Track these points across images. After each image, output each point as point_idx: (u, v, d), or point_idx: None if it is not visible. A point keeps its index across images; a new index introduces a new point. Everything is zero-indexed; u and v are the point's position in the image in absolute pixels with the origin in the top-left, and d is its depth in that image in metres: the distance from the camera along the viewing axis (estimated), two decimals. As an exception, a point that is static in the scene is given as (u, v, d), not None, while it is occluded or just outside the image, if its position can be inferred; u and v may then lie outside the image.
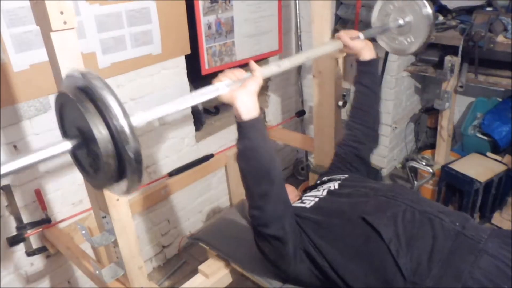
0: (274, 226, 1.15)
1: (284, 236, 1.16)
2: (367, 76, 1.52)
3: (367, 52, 1.48)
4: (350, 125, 1.58)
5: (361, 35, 1.49)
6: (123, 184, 0.80)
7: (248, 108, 1.07)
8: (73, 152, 0.83)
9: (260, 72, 1.12)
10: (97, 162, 0.76)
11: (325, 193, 1.36)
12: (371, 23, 1.70)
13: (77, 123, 0.77)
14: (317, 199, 1.34)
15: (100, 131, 0.72)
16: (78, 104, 0.73)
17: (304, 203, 1.33)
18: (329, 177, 1.50)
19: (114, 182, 0.79)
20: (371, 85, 1.52)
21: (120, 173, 0.77)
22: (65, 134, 0.86)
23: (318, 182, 1.53)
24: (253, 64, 1.12)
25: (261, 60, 2.67)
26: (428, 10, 1.52)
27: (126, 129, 0.73)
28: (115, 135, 0.72)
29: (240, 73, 1.11)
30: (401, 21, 1.57)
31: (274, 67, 1.19)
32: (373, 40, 1.58)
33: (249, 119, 1.07)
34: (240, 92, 1.07)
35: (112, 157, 0.74)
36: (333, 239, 1.20)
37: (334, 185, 1.41)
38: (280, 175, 1.16)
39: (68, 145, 0.80)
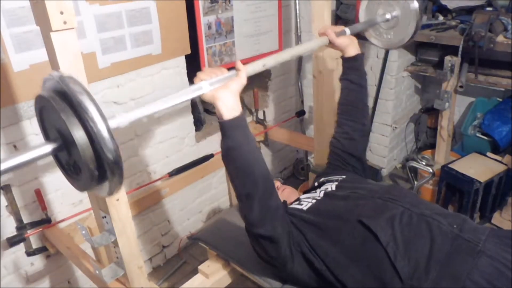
0: (264, 227, 1.15)
1: (275, 235, 1.16)
2: (353, 72, 1.50)
3: (352, 49, 1.47)
4: (340, 122, 1.57)
5: (347, 30, 1.47)
6: (105, 186, 0.81)
7: (229, 108, 1.07)
8: (55, 155, 0.85)
9: (245, 72, 1.12)
10: (78, 165, 0.78)
11: (322, 194, 1.36)
12: (359, 19, 1.70)
13: (57, 126, 0.79)
14: (314, 200, 1.33)
15: (78, 134, 0.74)
16: (57, 107, 0.75)
17: (301, 204, 1.33)
18: (326, 178, 1.50)
19: (96, 184, 0.80)
20: (358, 80, 1.51)
21: (101, 175, 0.78)
22: (47, 137, 0.87)
23: (316, 183, 1.53)
24: (238, 64, 1.12)
25: (261, 60, 2.67)
26: (415, 4, 1.52)
27: (103, 132, 0.74)
28: (93, 138, 0.74)
29: (220, 71, 1.10)
30: (388, 16, 1.57)
31: (258, 66, 1.18)
32: (360, 37, 1.57)
33: (231, 118, 1.07)
34: (222, 91, 1.07)
35: (91, 160, 0.75)
36: (330, 242, 1.19)
37: (331, 187, 1.41)
38: (266, 174, 1.15)
39: (48, 147, 0.82)
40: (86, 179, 0.79)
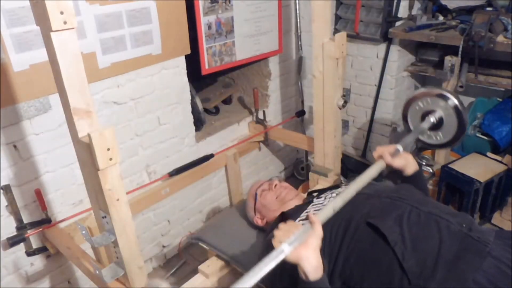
0: None
1: None
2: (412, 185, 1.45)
3: (410, 168, 1.43)
4: None
5: (400, 148, 1.44)
6: None
7: (314, 267, 1.03)
8: None
9: (319, 224, 1.07)
10: None
11: (327, 202, 1.36)
12: (403, 129, 1.69)
13: None
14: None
15: None
16: None
17: None
18: (340, 184, 1.51)
19: None
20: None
21: None
22: None
23: (327, 187, 1.53)
24: (312, 217, 1.08)
25: (261, 60, 2.67)
26: (454, 101, 1.50)
27: None
28: None
29: (295, 227, 1.06)
30: (432, 119, 1.55)
31: (329, 212, 1.16)
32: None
33: (316, 279, 1.04)
34: (305, 251, 1.03)
35: None
36: (339, 246, 1.19)
37: (342, 188, 1.41)
38: None
39: None
40: None
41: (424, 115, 1.59)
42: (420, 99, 1.59)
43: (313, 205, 1.44)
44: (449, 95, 1.51)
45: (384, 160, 1.41)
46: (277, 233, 1.06)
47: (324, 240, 1.19)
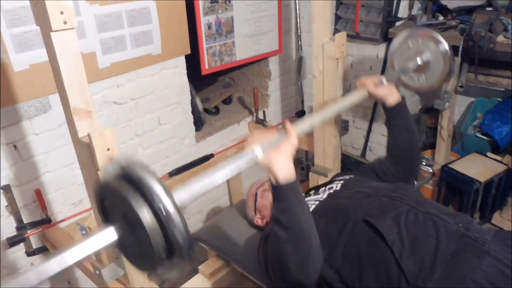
0: (310, 277, 1.11)
1: (315, 279, 1.13)
2: (397, 119, 1.46)
3: (392, 98, 1.43)
4: (387, 162, 1.49)
5: (384, 80, 1.45)
6: (172, 265, 0.78)
7: (285, 172, 1.04)
8: (119, 240, 0.81)
9: (295, 133, 1.08)
10: (145, 247, 0.75)
11: (325, 195, 1.36)
12: (390, 63, 1.69)
13: (120, 210, 0.76)
14: (317, 202, 1.33)
15: (146, 217, 0.72)
16: (123, 193, 0.73)
17: None
18: (333, 178, 1.50)
19: (164, 265, 0.77)
20: (404, 125, 1.46)
21: (168, 255, 0.76)
22: (107, 219, 0.84)
23: (324, 182, 1.53)
24: (288, 125, 1.08)
25: (261, 60, 2.67)
26: (445, 46, 1.50)
27: (173, 213, 0.72)
28: (163, 220, 0.72)
29: (270, 133, 1.06)
30: (419, 61, 1.55)
31: (306, 126, 1.16)
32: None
33: (287, 183, 1.04)
34: (277, 156, 1.03)
35: (160, 242, 0.73)
36: (336, 244, 1.19)
37: (336, 186, 1.41)
38: (317, 237, 1.12)
39: (113, 233, 0.79)
40: (153, 262, 0.76)
41: (412, 57, 1.57)
42: (410, 38, 1.57)
43: (309, 200, 1.43)
44: (441, 39, 1.51)
45: (366, 88, 1.41)
46: (250, 138, 1.06)
47: (324, 245, 1.19)
